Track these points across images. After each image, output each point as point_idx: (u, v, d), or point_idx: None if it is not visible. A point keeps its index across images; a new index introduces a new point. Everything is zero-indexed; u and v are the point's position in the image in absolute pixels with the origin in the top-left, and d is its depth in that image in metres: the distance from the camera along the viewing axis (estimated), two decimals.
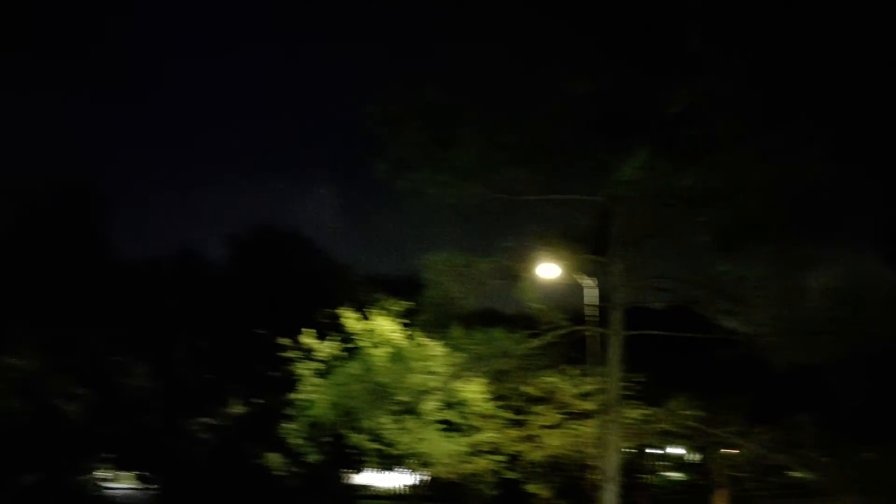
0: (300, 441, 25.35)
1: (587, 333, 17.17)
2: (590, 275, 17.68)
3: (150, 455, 30.80)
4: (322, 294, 29.57)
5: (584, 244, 16.21)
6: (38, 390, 27.07)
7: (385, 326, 24.17)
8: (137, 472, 32.34)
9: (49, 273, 26.99)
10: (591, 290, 17.96)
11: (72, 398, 28.09)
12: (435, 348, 19.03)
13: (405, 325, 23.70)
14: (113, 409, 29.21)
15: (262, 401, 29.98)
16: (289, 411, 24.98)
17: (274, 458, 28.13)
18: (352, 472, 32.79)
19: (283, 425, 25.39)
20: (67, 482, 29.09)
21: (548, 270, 17.29)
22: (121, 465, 31.95)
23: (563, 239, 16.33)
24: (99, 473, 31.34)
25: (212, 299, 32.14)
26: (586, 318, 17.21)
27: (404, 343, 22.68)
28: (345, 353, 23.87)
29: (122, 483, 33.45)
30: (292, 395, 24.77)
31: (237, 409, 30.87)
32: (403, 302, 23.87)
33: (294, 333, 26.11)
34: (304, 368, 25.14)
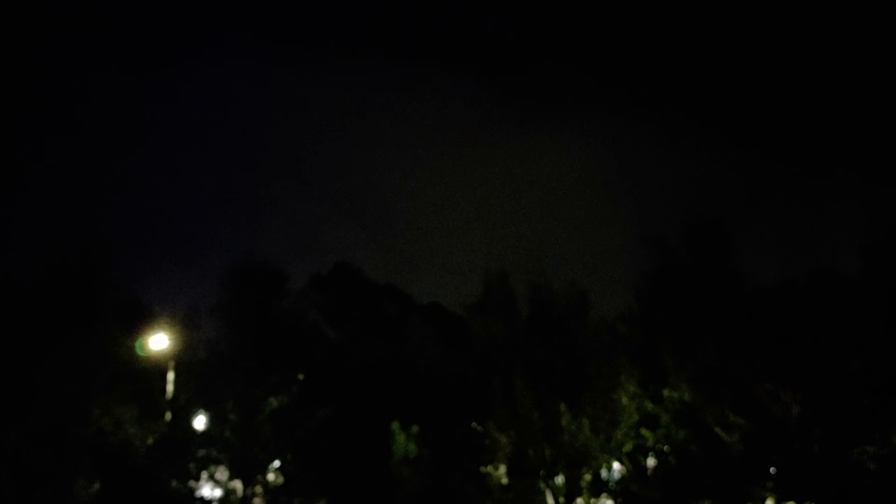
0: None
1: None
2: None
3: (810, 485, 29.49)
4: None
5: None
6: (699, 421, 28.10)
7: None
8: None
9: (693, 307, 28.10)
10: None
11: (729, 428, 28.50)
12: None
13: None
14: (768, 438, 28.84)
15: None
16: None
17: None
18: None
19: None
20: None
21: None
22: (781, 494, 31.24)
23: None
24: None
25: (850, 317, 29.99)
26: None
27: None
28: None
29: None
30: None
31: None
32: None
33: None
34: None
